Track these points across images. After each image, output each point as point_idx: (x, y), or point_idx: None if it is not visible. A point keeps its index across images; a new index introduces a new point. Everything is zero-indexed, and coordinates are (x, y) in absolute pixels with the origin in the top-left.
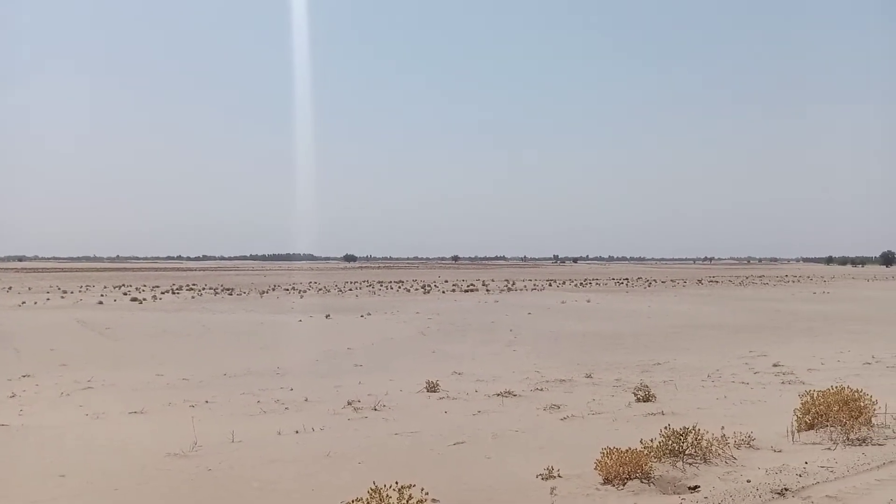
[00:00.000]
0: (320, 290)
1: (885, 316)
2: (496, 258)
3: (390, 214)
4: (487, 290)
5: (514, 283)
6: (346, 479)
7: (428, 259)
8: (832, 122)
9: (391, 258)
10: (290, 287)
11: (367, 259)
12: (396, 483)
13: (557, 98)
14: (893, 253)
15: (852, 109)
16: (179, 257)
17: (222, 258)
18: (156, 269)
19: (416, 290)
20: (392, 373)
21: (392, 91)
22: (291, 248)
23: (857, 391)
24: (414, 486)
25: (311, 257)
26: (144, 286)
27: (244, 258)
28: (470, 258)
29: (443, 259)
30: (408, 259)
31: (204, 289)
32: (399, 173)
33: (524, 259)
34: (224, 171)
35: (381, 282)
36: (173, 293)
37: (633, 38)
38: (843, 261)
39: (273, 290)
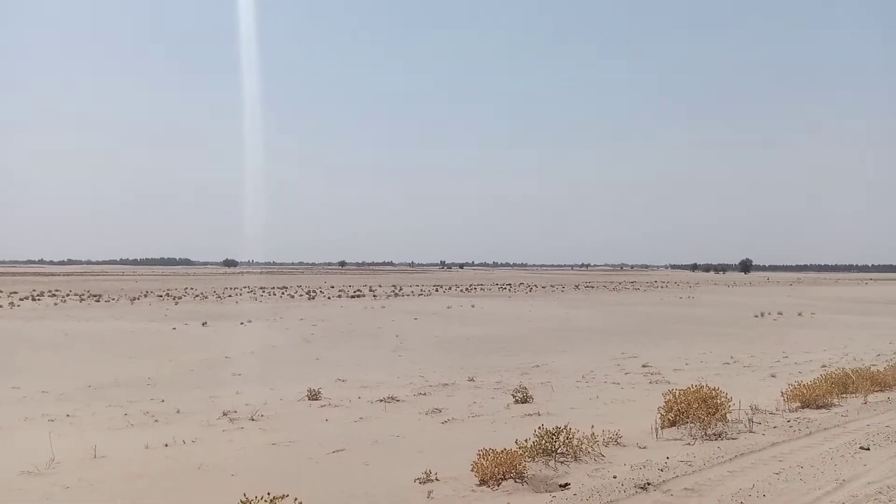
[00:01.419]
0: (197, 296)
1: (743, 319)
2: (384, 264)
3: (275, 218)
4: (374, 296)
5: (401, 289)
6: (217, 492)
7: (314, 265)
8: (694, 141)
9: (275, 263)
10: (163, 293)
11: (249, 264)
12: (269, 494)
13: (445, 106)
14: (751, 261)
15: (714, 128)
16: (41, 261)
17: (90, 262)
18: (14, 274)
19: (301, 296)
20: (273, 381)
21: (284, 100)
22: (166, 252)
23: (714, 389)
24: (287, 496)
25: (187, 262)
26: (0, 291)
27: (114, 262)
28: (357, 264)
29: (329, 265)
30: (293, 264)
31: (68, 295)
32: (285, 177)
33: (412, 265)
34: (91, 168)
35: (264, 288)
36: (33, 300)
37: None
38: (707, 268)
39: (145, 296)
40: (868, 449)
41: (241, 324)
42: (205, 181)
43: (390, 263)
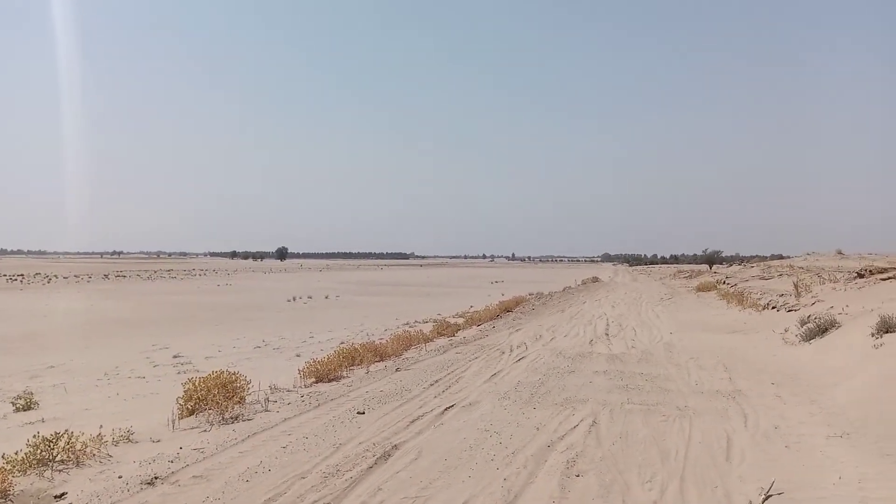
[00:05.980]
0: None
1: (277, 304)
2: None
3: None
4: None
5: None
6: None
7: None
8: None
9: None
10: None
11: None
12: None
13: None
14: (286, 248)
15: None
16: None
17: None
18: None
19: None
20: None
21: None
22: None
23: (233, 374)
24: None
25: None
26: None
27: None
28: None
29: None
30: None
31: None
32: None
33: None
34: None
35: None
36: None
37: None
38: (246, 255)
39: None
40: (363, 413)
41: None
42: None
43: None
